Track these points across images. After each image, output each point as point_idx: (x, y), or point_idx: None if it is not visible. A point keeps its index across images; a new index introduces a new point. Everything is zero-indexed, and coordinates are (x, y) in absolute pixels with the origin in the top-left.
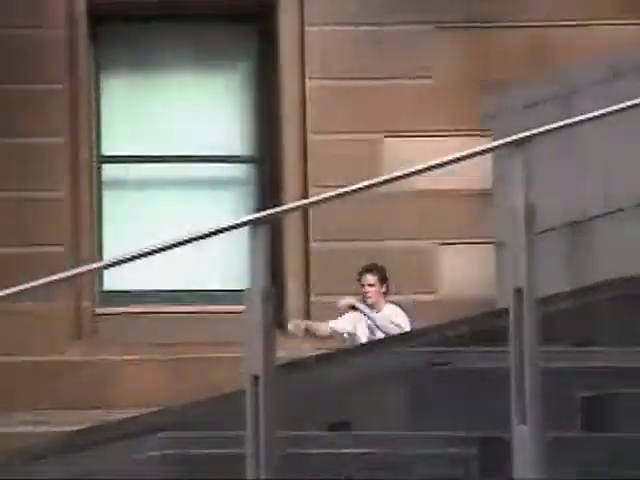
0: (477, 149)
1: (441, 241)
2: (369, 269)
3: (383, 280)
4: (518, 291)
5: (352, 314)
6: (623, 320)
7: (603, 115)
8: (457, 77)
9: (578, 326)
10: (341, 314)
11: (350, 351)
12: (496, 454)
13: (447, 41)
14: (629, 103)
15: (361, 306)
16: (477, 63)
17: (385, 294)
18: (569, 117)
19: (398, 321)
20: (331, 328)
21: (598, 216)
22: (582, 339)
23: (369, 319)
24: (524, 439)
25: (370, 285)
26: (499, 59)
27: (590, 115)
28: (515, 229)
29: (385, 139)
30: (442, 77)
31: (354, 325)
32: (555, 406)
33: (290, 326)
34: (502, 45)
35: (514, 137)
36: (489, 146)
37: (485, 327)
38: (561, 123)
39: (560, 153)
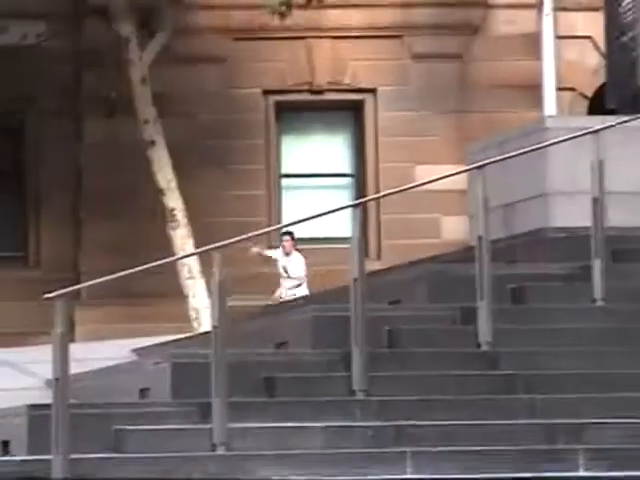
0: (461, 169)
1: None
2: (286, 232)
3: (293, 239)
4: (479, 238)
5: (276, 251)
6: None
7: (511, 157)
8: None
9: (508, 253)
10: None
11: (289, 302)
12: None
13: None
14: (514, 153)
15: (266, 251)
16: None
17: (294, 246)
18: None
19: (296, 263)
20: (270, 255)
21: (516, 201)
22: (511, 260)
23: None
24: None
25: (286, 241)
26: None
27: (506, 156)
28: (479, 208)
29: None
30: None
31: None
32: None
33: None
34: None
35: (477, 164)
36: (466, 168)
37: (463, 255)
38: (496, 158)
39: (499, 171)
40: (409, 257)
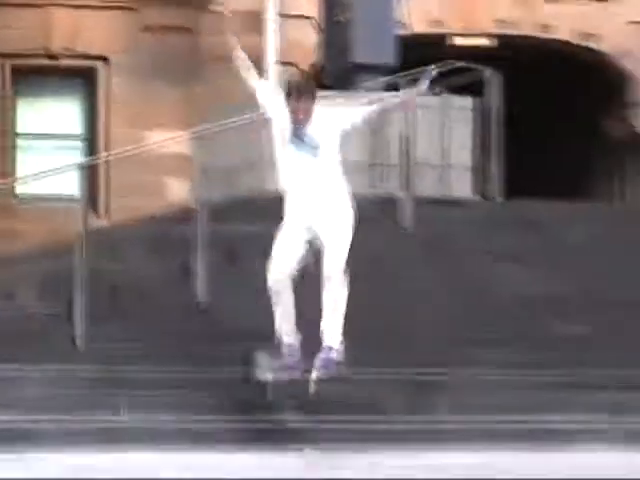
0: (181, 135)
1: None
2: None
3: None
4: (197, 200)
5: None
6: None
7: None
8: None
9: (227, 214)
10: None
11: None
12: None
13: None
14: (231, 124)
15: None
16: None
17: None
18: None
19: None
20: None
21: (236, 167)
22: (228, 220)
23: None
24: None
25: None
26: None
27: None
28: (199, 172)
29: None
30: None
31: None
32: None
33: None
34: None
35: (197, 132)
36: (188, 136)
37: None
38: (215, 129)
39: (222, 139)
40: (136, 216)
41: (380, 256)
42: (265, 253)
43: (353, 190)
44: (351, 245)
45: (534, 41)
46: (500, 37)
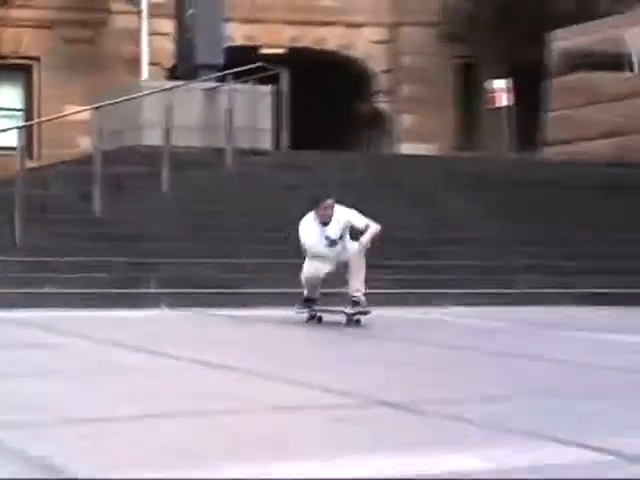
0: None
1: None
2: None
3: None
4: (95, 148)
5: None
6: None
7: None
8: None
9: (118, 159)
10: None
11: None
12: None
13: None
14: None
15: None
16: None
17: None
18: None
19: None
20: None
21: (124, 129)
22: (119, 164)
23: None
24: None
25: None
26: None
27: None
28: (98, 133)
29: None
30: None
31: None
32: None
33: None
34: None
35: (96, 106)
36: (90, 107)
37: (89, 160)
38: (108, 103)
39: (115, 110)
40: (57, 160)
41: (211, 187)
42: (141, 184)
43: (195, 144)
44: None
45: (312, 51)
46: (291, 48)
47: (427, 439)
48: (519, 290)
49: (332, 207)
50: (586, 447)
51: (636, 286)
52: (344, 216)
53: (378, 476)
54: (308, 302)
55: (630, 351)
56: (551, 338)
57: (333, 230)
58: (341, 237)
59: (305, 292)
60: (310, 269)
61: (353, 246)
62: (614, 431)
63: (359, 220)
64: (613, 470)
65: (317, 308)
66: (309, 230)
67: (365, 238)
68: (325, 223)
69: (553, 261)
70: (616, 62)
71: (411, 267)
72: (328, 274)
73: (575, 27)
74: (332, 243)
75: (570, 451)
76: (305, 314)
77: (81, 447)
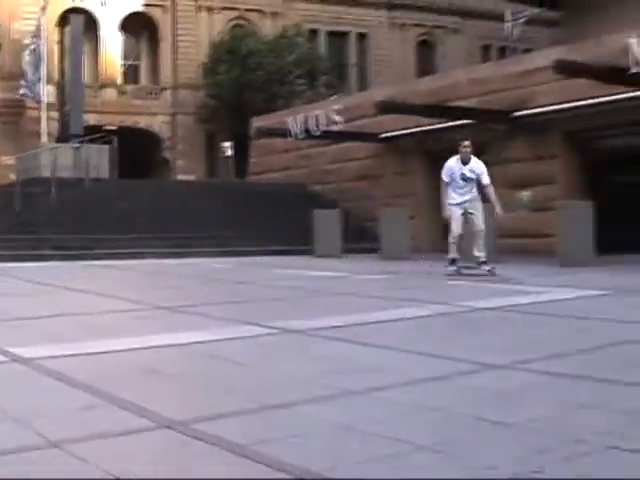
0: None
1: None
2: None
3: None
4: (16, 179)
5: None
6: None
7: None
8: None
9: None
10: None
11: None
12: None
13: None
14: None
15: None
16: None
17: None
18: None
19: None
20: None
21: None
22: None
23: None
24: None
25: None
26: None
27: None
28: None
29: None
30: None
31: None
32: None
33: None
34: None
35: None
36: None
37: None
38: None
39: (30, 157)
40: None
41: (77, 197)
42: (44, 201)
43: (68, 175)
44: (67, 194)
45: (132, 127)
46: (120, 126)
47: (186, 326)
48: (234, 249)
49: (469, 147)
50: (263, 326)
51: (283, 245)
52: (479, 166)
53: (170, 343)
54: (454, 262)
55: (294, 278)
56: (254, 272)
57: (469, 169)
58: (471, 180)
59: (451, 254)
60: (457, 229)
61: (475, 195)
62: (283, 318)
63: (486, 177)
64: (270, 337)
65: (460, 265)
66: (451, 165)
67: (501, 214)
68: (465, 163)
69: (252, 233)
70: (284, 132)
71: (182, 237)
72: (461, 235)
73: (263, 116)
74: (466, 179)
75: (254, 329)
76: (454, 269)
77: None
